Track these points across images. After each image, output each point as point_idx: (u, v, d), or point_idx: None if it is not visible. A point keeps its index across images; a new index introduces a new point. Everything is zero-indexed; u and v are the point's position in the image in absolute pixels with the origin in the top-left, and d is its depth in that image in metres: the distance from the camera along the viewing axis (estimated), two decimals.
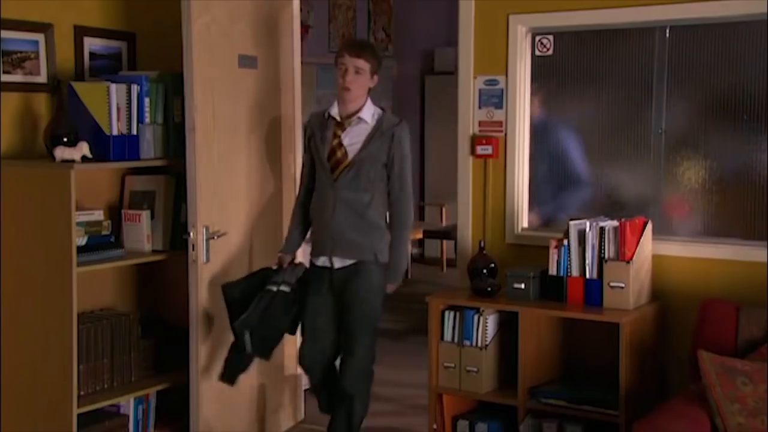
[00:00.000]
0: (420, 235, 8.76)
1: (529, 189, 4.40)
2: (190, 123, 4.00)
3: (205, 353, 4.11)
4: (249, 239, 4.33)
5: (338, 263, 4.02)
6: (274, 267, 4.14)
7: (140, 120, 4.06)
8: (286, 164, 4.57)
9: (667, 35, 4.06)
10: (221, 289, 4.05)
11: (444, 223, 9.09)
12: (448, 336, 4.13)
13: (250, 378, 4.28)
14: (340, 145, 3.98)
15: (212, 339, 4.14)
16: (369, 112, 4.02)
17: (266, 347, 4.08)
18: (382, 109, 4.07)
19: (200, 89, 4.00)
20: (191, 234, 4.00)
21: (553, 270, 4.03)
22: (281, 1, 4.53)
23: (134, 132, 4.04)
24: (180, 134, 4.13)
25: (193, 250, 4.01)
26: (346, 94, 3.97)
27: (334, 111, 4.03)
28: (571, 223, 4.01)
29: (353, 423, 4.04)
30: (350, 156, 3.97)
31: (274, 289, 4.02)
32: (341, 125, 4.01)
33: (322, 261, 4.05)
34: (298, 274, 4.08)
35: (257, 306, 3.98)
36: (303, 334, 4.12)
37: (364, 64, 3.97)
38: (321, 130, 4.04)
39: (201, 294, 4.07)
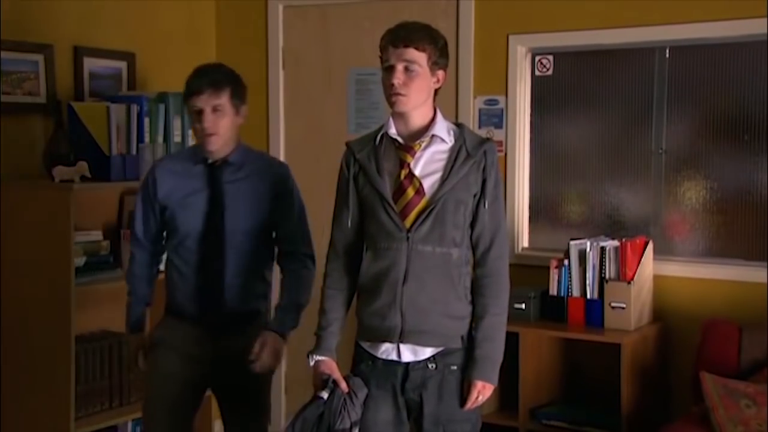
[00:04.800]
0: None
1: (528, 208, 4.40)
2: None
3: None
4: None
5: (409, 355, 2.79)
6: (324, 394, 2.80)
7: (140, 140, 4.05)
8: None
9: (668, 55, 4.06)
10: None
11: None
12: None
13: None
14: (411, 177, 2.78)
15: None
16: (443, 127, 2.83)
17: None
18: (456, 124, 2.88)
19: None
20: None
21: (553, 290, 4.02)
22: None
23: (134, 152, 4.03)
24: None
25: None
26: (400, 102, 2.75)
27: (392, 130, 2.80)
28: (572, 242, 4.00)
29: None
30: (428, 192, 2.77)
31: None
32: (409, 149, 2.80)
33: (383, 351, 2.82)
34: (363, 399, 2.82)
35: None
36: None
37: (417, 56, 2.72)
38: (373, 160, 2.82)
39: None
